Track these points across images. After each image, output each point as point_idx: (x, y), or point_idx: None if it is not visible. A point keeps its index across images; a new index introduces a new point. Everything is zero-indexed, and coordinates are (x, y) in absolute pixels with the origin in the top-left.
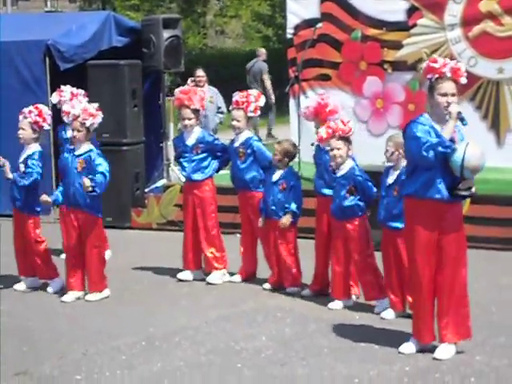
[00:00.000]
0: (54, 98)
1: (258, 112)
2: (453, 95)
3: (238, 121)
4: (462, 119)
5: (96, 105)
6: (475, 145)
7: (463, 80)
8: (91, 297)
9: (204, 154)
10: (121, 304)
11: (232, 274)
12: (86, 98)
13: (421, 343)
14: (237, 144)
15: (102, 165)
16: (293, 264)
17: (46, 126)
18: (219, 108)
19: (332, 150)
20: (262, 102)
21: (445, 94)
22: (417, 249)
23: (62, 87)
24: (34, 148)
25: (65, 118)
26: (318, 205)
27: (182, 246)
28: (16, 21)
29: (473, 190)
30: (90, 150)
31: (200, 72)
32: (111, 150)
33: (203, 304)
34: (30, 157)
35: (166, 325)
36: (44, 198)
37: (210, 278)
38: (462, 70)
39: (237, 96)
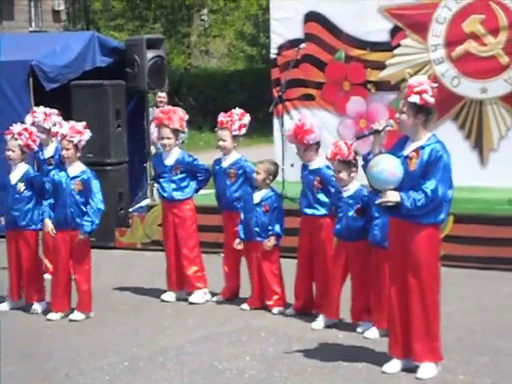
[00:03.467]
0: (28, 119)
1: (243, 130)
2: (400, 112)
3: (224, 140)
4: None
5: (83, 123)
6: (373, 159)
7: (412, 98)
8: (76, 316)
9: (183, 175)
10: (104, 324)
11: (215, 294)
12: (60, 117)
13: (391, 355)
14: (225, 164)
15: (97, 197)
16: (277, 284)
17: (36, 148)
18: None
19: (334, 171)
20: (246, 120)
21: (398, 111)
22: (388, 265)
23: (35, 108)
24: (24, 166)
25: (54, 139)
26: (302, 224)
27: (165, 266)
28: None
29: (383, 201)
30: (84, 172)
31: (161, 93)
32: (95, 169)
33: (187, 324)
34: (26, 175)
35: (150, 345)
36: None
37: (192, 298)
38: (417, 89)
39: (221, 116)
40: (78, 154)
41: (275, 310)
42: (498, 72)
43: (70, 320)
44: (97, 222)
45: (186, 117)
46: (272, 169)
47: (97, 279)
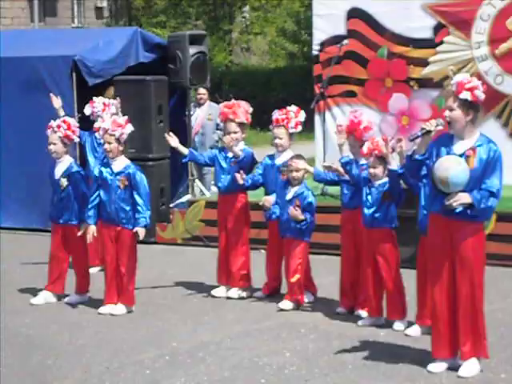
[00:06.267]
0: (87, 109)
1: (299, 127)
2: (450, 109)
3: (280, 138)
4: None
5: (125, 117)
6: (447, 158)
7: (463, 95)
8: (118, 309)
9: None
10: (145, 318)
11: (256, 290)
12: (119, 106)
13: (435, 357)
14: (279, 162)
15: (143, 187)
16: (304, 280)
17: (76, 139)
18: (218, 125)
19: (369, 167)
20: (302, 117)
21: (446, 108)
22: (431, 263)
23: (94, 98)
24: (68, 160)
25: (97, 135)
26: (345, 218)
27: (215, 260)
28: (44, 36)
29: (456, 203)
30: (128, 166)
31: (201, 90)
32: (137, 165)
33: (227, 319)
34: (68, 170)
35: (190, 340)
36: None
37: (230, 293)
38: (469, 85)
39: (276, 114)
40: (121, 148)
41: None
42: None
43: (111, 314)
44: (149, 214)
45: (251, 109)
46: (307, 165)
47: (137, 274)
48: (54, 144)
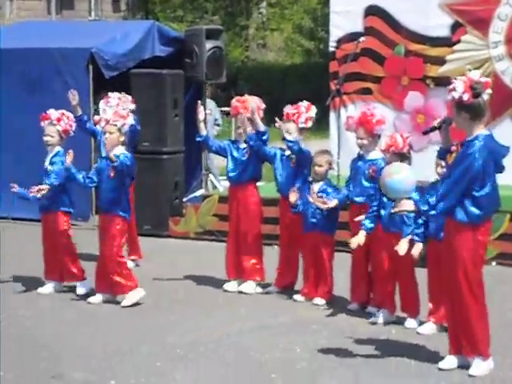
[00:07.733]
0: (102, 104)
1: (310, 123)
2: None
3: (290, 133)
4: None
5: (130, 107)
6: (388, 166)
7: (448, 96)
8: (125, 302)
9: (252, 158)
10: (155, 311)
11: (268, 285)
12: (133, 105)
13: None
14: (288, 152)
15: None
16: (329, 276)
17: (72, 133)
18: (216, 120)
19: (387, 163)
20: (312, 112)
21: None
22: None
23: (109, 94)
24: (56, 148)
25: (98, 127)
26: (350, 212)
27: (224, 254)
28: (61, 28)
29: (396, 210)
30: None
31: None
32: (151, 158)
33: (239, 314)
34: (54, 156)
35: (202, 333)
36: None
37: (242, 287)
38: (450, 87)
39: (287, 108)
40: (121, 139)
41: (317, 300)
42: None
43: (123, 306)
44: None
45: (263, 106)
46: (331, 159)
47: (150, 266)
48: (52, 136)
